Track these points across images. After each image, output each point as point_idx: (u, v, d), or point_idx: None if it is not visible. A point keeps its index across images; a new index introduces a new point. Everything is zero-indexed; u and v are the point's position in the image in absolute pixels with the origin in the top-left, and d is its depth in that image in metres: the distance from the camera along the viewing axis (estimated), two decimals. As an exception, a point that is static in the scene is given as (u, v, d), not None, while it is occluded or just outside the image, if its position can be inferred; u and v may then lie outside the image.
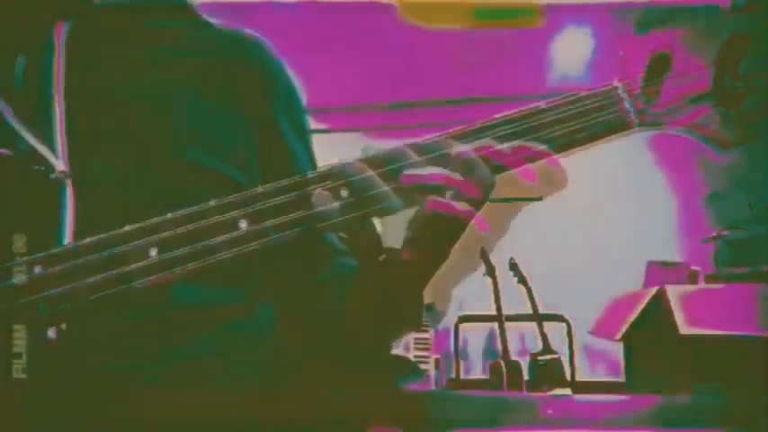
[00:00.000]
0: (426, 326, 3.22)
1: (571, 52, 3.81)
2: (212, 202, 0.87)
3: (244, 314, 1.00)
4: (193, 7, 1.12)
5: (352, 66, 3.92)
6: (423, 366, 3.19)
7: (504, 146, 0.92)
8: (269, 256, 0.87)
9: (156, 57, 1.03)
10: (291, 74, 1.14)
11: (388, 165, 0.90)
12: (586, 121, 0.94)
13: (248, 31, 1.14)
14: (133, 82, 1.00)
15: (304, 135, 1.14)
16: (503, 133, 0.93)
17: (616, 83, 0.95)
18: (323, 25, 3.75)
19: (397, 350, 2.84)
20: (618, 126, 0.95)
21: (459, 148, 0.91)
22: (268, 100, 1.10)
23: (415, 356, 3.21)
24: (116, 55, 1.01)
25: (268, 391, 0.99)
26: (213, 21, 1.13)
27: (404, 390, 2.72)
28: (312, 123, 1.16)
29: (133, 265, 0.84)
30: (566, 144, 0.93)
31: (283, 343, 1.03)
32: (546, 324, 3.22)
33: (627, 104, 0.94)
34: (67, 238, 0.88)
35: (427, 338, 3.27)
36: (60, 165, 0.91)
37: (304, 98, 1.15)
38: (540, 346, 3.09)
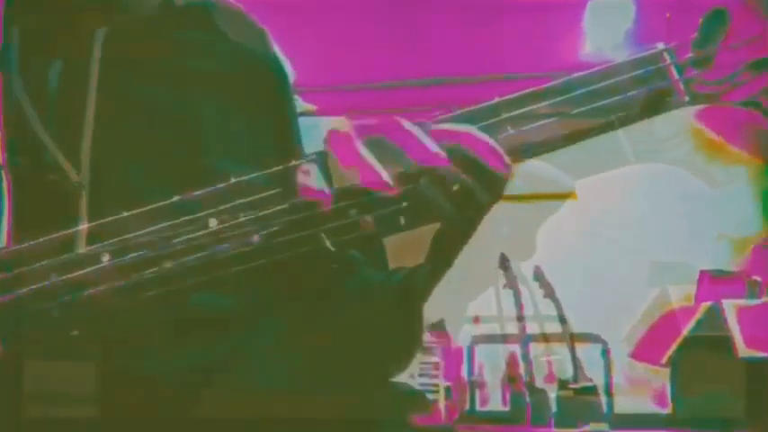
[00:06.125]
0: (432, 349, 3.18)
1: (609, 22, 3.72)
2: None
3: (251, 319, 1.05)
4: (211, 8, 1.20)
5: (363, 39, 3.84)
6: (430, 396, 3.13)
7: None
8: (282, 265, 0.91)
9: (181, 64, 1.13)
10: (283, 57, 1.21)
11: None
12: (625, 96, 0.91)
13: (257, 26, 1.22)
14: (159, 88, 1.10)
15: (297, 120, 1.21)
16: (521, 113, 0.91)
17: (661, 47, 0.92)
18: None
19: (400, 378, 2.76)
20: (664, 100, 0.92)
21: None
22: (279, 99, 1.19)
23: (420, 384, 3.14)
24: (146, 62, 1.11)
25: (271, 392, 1.03)
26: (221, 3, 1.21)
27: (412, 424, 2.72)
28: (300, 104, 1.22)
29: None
30: (600, 125, 0.91)
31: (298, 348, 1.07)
32: (578, 345, 3.18)
33: (675, 73, 0.91)
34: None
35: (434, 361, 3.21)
36: None
37: (293, 77, 1.22)
38: (571, 371, 3.07)
